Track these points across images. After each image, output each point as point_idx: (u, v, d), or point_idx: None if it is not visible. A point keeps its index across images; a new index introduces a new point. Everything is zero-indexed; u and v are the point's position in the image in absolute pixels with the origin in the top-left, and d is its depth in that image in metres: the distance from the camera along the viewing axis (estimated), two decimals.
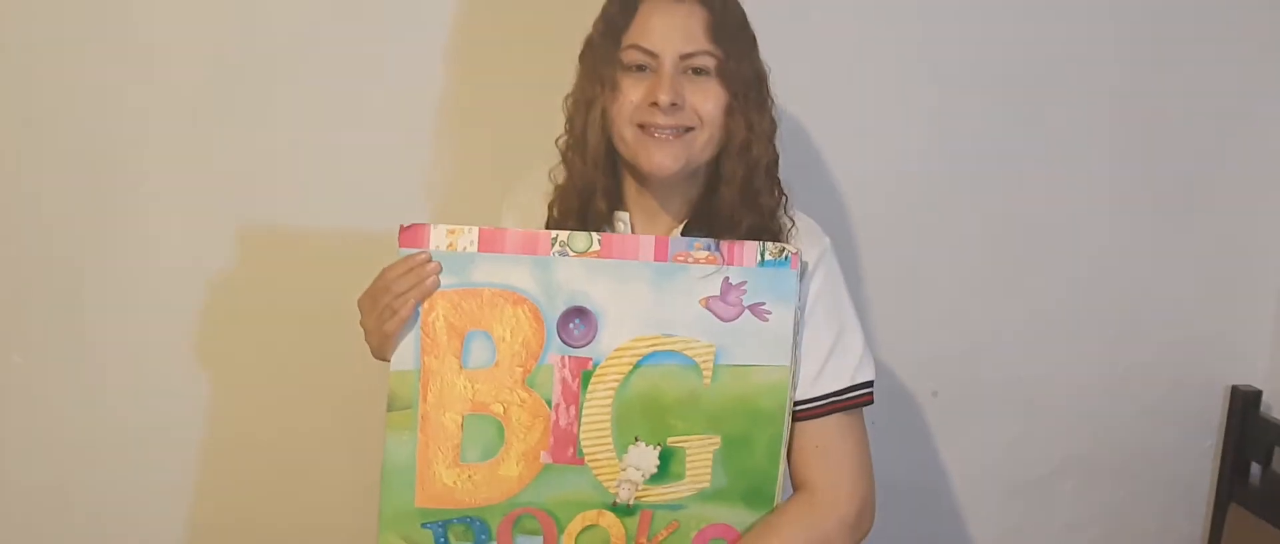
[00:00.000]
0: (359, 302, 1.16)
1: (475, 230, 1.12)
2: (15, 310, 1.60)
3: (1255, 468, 1.87)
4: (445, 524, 1.14)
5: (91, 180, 1.57)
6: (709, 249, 1.13)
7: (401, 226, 1.11)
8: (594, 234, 1.13)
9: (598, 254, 1.13)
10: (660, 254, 1.13)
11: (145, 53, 1.53)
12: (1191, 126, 1.77)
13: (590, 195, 1.18)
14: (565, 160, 1.21)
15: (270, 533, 1.71)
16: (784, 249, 1.14)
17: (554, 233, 1.13)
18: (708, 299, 1.13)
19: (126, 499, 1.67)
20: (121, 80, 1.54)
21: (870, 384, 1.22)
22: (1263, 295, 1.86)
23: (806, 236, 1.22)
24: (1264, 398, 1.86)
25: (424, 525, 1.14)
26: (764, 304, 1.13)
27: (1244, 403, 1.85)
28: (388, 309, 1.11)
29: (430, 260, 1.12)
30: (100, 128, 1.55)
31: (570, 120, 1.21)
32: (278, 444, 1.68)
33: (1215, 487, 1.91)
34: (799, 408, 1.19)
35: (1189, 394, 1.87)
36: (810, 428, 1.19)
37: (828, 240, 1.24)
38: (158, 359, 1.63)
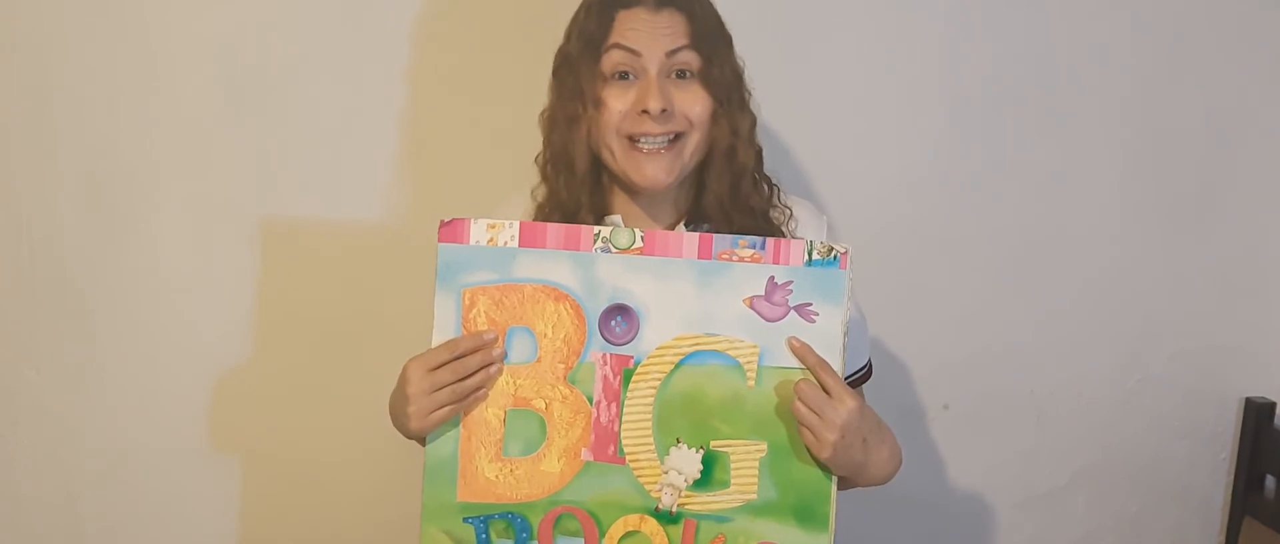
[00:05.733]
0: (407, 368, 1.11)
1: (516, 225, 1.11)
2: (27, 324, 1.62)
3: (1270, 481, 1.83)
4: (487, 520, 1.14)
5: (101, 193, 1.58)
6: (754, 247, 1.10)
7: (442, 222, 1.11)
8: (637, 230, 1.11)
9: (640, 251, 1.10)
10: (704, 251, 1.10)
11: (154, 71, 1.56)
12: (1203, 136, 1.74)
13: (574, 212, 1.18)
14: (545, 177, 1.21)
15: (288, 537, 1.72)
16: (833, 248, 1.09)
17: (597, 228, 1.11)
18: (752, 298, 1.10)
19: (139, 512, 1.69)
20: (130, 91, 1.56)
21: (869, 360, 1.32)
22: (1276, 306, 1.82)
23: (810, 220, 1.23)
24: (1278, 410, 1.82)
25: (466, 520, 1.14)
26: (811, 305, 1.09)
27: (1258, 415, 1.82)
28: (453, 391, 1.09)
29: (497, 344, 1.10)
30: (109, 140, 1.57)
31: (548, 137, 1.21)
32: (288, 457, 1.69)
33: (1229, 500, 1.87)
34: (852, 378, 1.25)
35: (1202, 406, 1.84)
36: None
37: (825, 218, 1.25)
38: (169, 370, 1.65)
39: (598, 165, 1.20)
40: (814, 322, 1.09)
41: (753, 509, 1.12)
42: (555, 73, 1.20)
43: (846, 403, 1.07)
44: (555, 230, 1.12)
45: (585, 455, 1.13)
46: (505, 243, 1.11)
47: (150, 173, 1.59)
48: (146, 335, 1.64)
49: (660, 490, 1.12)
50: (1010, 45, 1.67)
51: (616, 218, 1.21)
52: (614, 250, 1.11)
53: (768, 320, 1.10)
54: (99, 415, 1.66)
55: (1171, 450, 1.86)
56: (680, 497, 1.12)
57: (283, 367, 1.66)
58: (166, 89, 1.57)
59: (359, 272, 1.63)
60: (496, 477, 1.13)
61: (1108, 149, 1.73)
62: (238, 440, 1.69)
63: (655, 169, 1.15)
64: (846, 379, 1.20)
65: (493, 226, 1.12)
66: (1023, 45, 1.68)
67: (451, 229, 1.12)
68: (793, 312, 1.10)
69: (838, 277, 1.09)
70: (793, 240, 1.10)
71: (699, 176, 1.20)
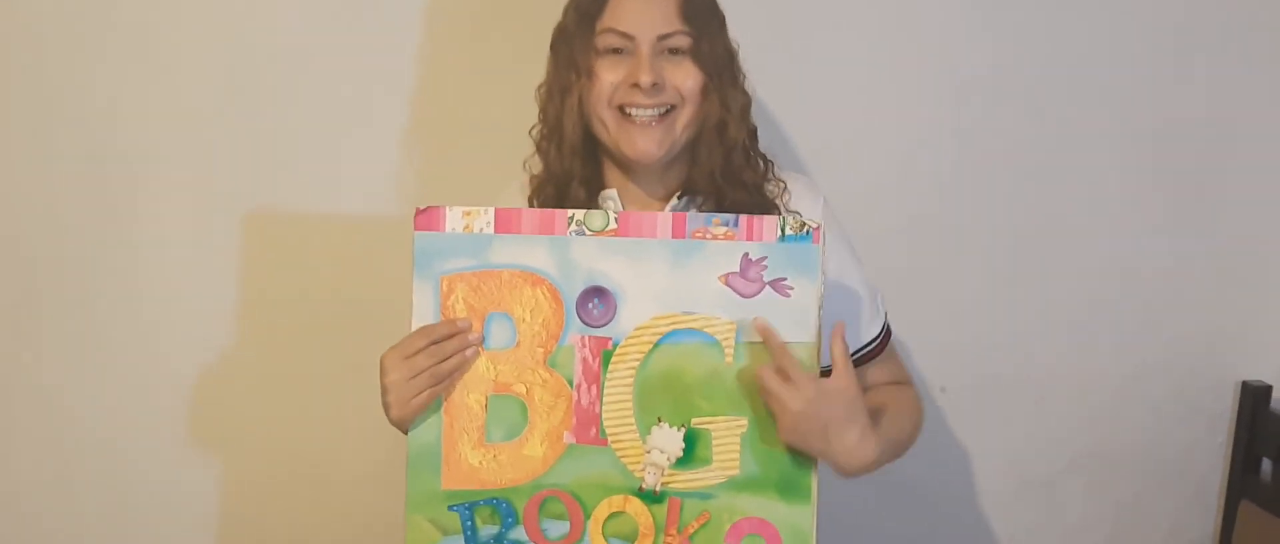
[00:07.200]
0: (384, 359, 1.12)
1: (491, 211, 1.12)
2: (25, 308, 1.64)
3: (1266, 464, 1.84)
4: (472, 507, 1.14)
5: (101, 180, 1.60)
6: (728, 225, 1.11)
7: (417, 210, 1.12)
8: (611, 212, 1.12)
9: (615, 232, 1.11)
10: (678, 231, 1.11)
11: (154, 54, 1.57)
12: (1201, 123, 1.75)
13: (567, 184, 1.20)
14: (540, 150, 1.23)
15: (283, 527, 1.74)
16: (805, 223, 1.10)
17: (571, 212, 1.12)
18: (727, 276, 1.11)
19: (137, 501, 1.70)
20: (129, 78, 1.57)
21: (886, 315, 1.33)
22: (1273, 290, 1.83)
23: (805, 193, 1.24)
24: (1275, 393, 1.83)
25: (451, 508, 1.14)
26: (785, 279, 1.10)
27: (1255, 398, 1.82)
28: (431, 375, 1.10)
29: (472, 330, 1.12)
30: (109, 128, 1.59)
31: (544, 109, 1.23)
32: (287, 445, 1.70)
33: (1226, 483, 1.88)
34: (865, 351, 1.28)
35: (1200, 390, 1.85)
36: (870, 370, 1.28)
37: (821, 192, 1.26)
38: (167, 357, 1.66)
39: (591, 139, 1.21)
40: (789, 296, 1.10)
41: (736, 485, 1.12)
42: (552, 47, 1.22)
43: (803, 390, 1.07)
44: (530, 215, 1.12)
45: (567, 438, 1.13)
46: (481, 229, 1.12)
47: (148, 160, 1.60)
48: (144, 321, 1.65)
49: (643, 470, 1.13)
50: (1010, 36, 1.69)
51: (611, 192, 1.22)
52: (589, 233, 1.12)
53: (743, 297, 1.11)
54: (96, 400, 1.67)
55: (1169, 434, 1.87)
56: (663, 475, 1.13)
57: (280, 355, 1.67)
58: (166, 77, 1.58)
59: (356, 263, 1.64)
60: (480, 463, 1.14)
61: (1106, 136, 1.74)
62: (233, 427, 1.70)
63: (647, 142, 1.16)
64: (854, 354, 1.23)
65: (468, 214, 1.12)
66: (1022, 35, 1.69)
67: (427, 217, 1.12)
68: (768, 287, 1.11)
69: (811, 251, 1.10)
70: (765, 217, 1.11)
71: (692, 151, 1.22)
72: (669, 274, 1.11)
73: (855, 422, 1.10)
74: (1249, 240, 1.82)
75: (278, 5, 1.58)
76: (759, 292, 1.11)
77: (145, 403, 1.67)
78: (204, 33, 1.57)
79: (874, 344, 1.30)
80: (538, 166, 1.25)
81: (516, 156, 1.29)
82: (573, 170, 1.20)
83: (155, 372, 1.67)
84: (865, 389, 1.25)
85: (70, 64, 1.57)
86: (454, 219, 1.12)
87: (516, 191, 1.27)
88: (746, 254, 1.11)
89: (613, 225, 1.11)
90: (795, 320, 1.10)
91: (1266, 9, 1.73)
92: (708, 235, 1.11)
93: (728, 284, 1.11)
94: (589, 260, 1.12)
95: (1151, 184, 1.77)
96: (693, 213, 1.13)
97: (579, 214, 1.12)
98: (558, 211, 1.12)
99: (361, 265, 1.63)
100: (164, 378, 1.67)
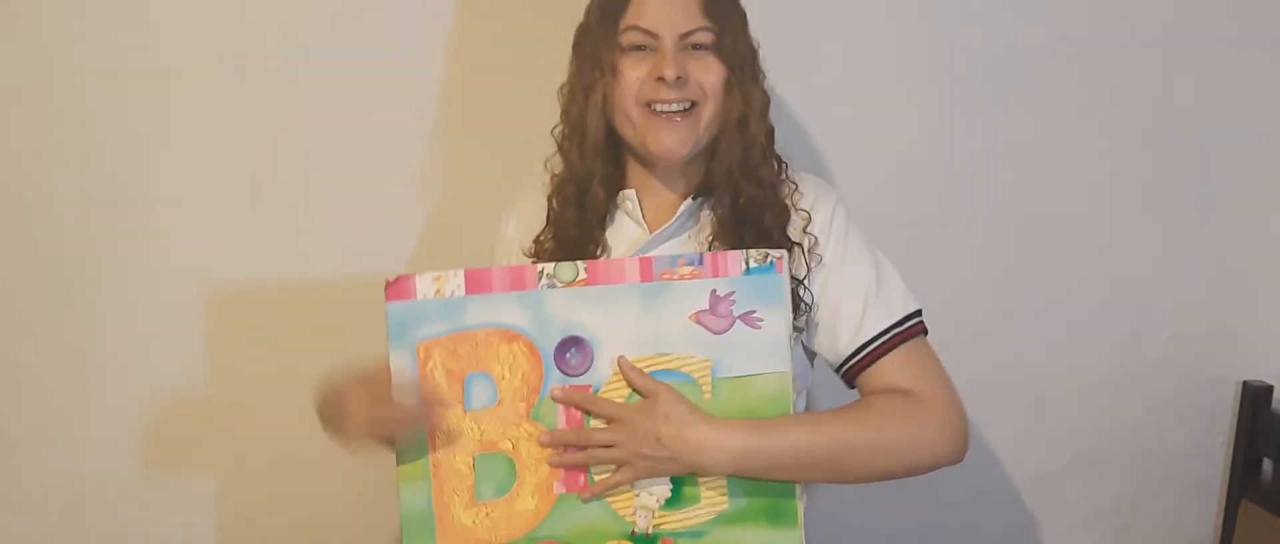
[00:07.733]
0: (353, 394, 1.17)
1: (461, 273, 1.14)
2: (26, 309, 1.64)
3: (1267, 464, 1.84)
4: None
5: (102, 180, 1.60)
6: (693, 263, 1.13)
7: (387, 282, 1.13)
8: (580, 263, 1.14)
9: (585, 282, 1.13)
10: (646, 275, 1.13)
11: (156, 54, 1.58)
12: (1203, 120, 1.76)
13: (588, 183, 1.22)
14: (562, 150, 1.25)
15: (280, 530, 1.73)
16: (768, 254, 1.13)
17: (540, 266, 1.14)
18: (698, 313, 1.13)
19: (137, 498, 1.70)
20: (132, 81, 1.58)
21: (919, 313, 1.23)
22: (1274, 289, 1.84)
23: (816, 193, 1.24)
24: (1275, 393, 1.83)
25: None
26: (754, 312, 1.13)
27: (1255, 398, 1.82)
28: (394, 421, 1.14)
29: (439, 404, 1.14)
30: (111, 128, 1.59)
31: (566, 109, 1.24)
32: (288, 441, 1.68)
33: (1227, 483, 1.87)
34: (856, 359, 1.20)
35: (1200, 390, 1.85)
36: (877, 370, 1.19)
37: (837, 193, 1.25)
38: (167, 358, 1.66)
39: (613, 140, 1.23)
40: (759, 328, 1.13)
41: (725, 519, 1.14)
42: (574, 46, 1.24)
43: (618, 428, 1.11)
44: (500, 273, 1.14)
45: (558, 489, 1.15)
46: (452, 293, 1.14)
47: (151, 154, 1.60)
48: (145, 316, 1.65)
49: (634, 514, 1.14)
50: (1007, 29, 1.69)
51: (629, 192, 1.24)
52: (559, 285, 1.14)
53: (715, 333, 1.13)
54: (97, 395, 1.67)
55: (1169, 434, 1.87)
56: (654, 517, 1.14)
57: (283, 355, 1.66)
58: (169, 71, 1.58)
59: (363, 262, 1.62)
60: (474, 523, 1.15)
61: (1106, 133, 1.75)
62: (234, 426, 1.70)
63: (672, 139, 1.17)
64: (879, 337, 1.20)
65: (438, 278, 1.14)
66: (1020, 29, 1.70)
67: (398, 287, 1.14)
68: (738, 321, 1.13)
69: (776, 282, 1.13)
70: (729, 252, 1.14)
71: (713, 147, 1.23)
72: (641, 318, 1.13)
73: (685, 424, 1.10)
74: (1249, 240, 1.82)
75: (283, 4, 1.59)
76: (730, 326, 1.13)
77: (145, 403, 1.67)
78: (207, 31, 1.58)
79: (872, 345, 1.20)
80: (559, 166, 1.26)
81: (537, 157, 1.30)
82: (594, 169, 1.21)
83: (155, 371, 1.67)
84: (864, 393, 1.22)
85: (70, 63, 1.57)
86: (424, 286, 1.14)
87: (537, 189, 1.28)
88: (714, 291, 1.13)
89: (582, 276, 1.14)
90: (767, 352, 1.12)
91: (1267, 9, 1.75)
92: (675, 276, 1.13)
93: (699, 322, 1.13)
94: (563, 312, 1.13)
95: (1151, 183, 1.78)
96: (659, 256, 1.16)
97: (548, 268, 1.14)
98: (527, 267, 1.14)
99: (369, 264, 1.60)
100: (164, 377, 1.67)
